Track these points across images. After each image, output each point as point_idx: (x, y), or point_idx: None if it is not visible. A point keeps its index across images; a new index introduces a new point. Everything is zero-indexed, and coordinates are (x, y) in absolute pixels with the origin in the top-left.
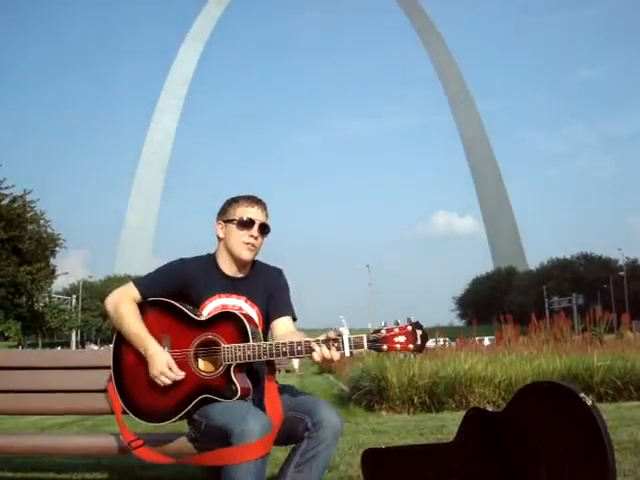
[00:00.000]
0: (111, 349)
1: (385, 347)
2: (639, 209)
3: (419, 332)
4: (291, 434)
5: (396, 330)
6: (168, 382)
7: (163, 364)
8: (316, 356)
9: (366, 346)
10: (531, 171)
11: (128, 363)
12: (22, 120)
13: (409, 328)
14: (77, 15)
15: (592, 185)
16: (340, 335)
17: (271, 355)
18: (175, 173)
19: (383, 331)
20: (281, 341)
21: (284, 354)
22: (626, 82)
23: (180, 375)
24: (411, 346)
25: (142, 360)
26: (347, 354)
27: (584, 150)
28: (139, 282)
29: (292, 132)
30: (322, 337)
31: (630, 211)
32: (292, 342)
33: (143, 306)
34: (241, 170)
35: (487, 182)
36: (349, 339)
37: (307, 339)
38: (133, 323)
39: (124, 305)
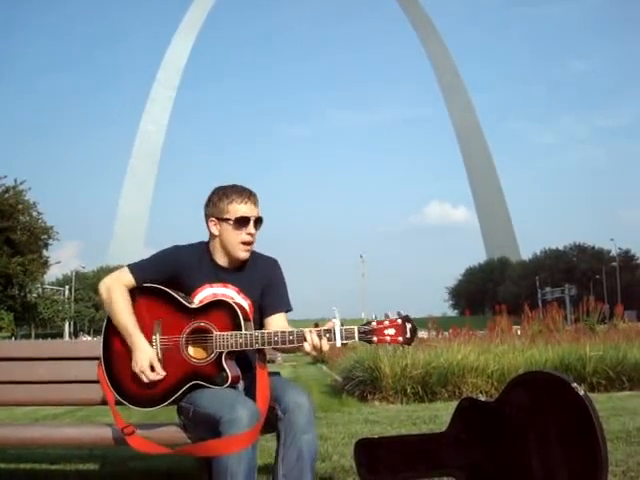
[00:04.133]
0: (102, 330)
1: (375, 339)
2: (630, 201)
3: (409, 325)
4: (267, 422)
5: (386, 323)
6: (148, 380)
7: (146, 362)
8: (307, 346)
9: (357, 337)
10: (524, 162)
11: (119, 346)
12: (15, 112)
13: (399, 321)
14: (69, 7)
15: (584, 177)
16: (332, 326)
17: (263, 343)
18: (168, 164)
19: (373, 323)
20: (273, 330)
21: (276, 342)
22: (617, 74)
23: (161, 374)
24: (400, 339)
25: None
26: (338, 344)
27: (576, 142)
28: (134, 267)
29: (286, 123)
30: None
31: (621, 202)
32: (284, 331)
33: (136, 291)
34: (234, 160)
35: (480, 173)
36: (341, 330)
37: (299, 329)
38: (123, 314)
39: (117, 292)
